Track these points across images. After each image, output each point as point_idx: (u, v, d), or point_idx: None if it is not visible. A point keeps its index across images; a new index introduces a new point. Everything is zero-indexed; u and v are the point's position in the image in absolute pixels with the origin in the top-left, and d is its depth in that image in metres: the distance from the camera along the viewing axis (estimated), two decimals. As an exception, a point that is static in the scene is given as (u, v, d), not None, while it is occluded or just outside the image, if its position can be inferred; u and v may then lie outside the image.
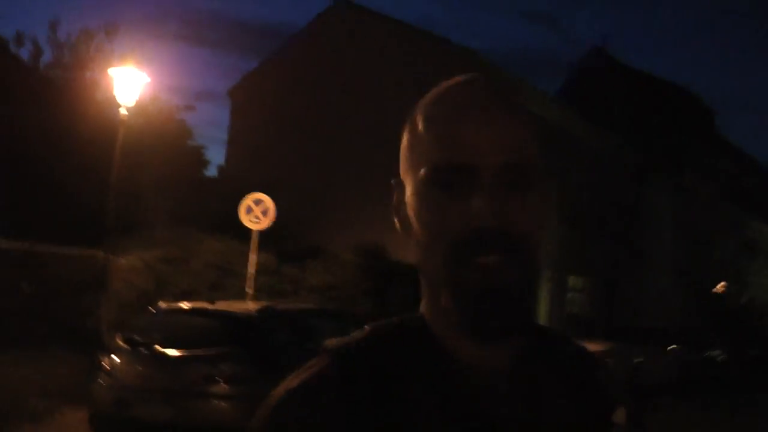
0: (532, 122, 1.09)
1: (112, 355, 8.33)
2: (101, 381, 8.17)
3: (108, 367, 8.23)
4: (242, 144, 28.79)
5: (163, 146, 23.29)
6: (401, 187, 1.12)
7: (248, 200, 14.66)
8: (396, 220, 1.13)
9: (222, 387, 7.84)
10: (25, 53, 25.92)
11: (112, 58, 25.88)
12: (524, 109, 1.09)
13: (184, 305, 9.62)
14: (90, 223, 17.82)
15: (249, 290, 14.08)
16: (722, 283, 45.08)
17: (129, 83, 12.89)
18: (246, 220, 14.46)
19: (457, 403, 1.02)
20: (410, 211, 1.08)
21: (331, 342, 1.08)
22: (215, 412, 7.82)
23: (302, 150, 26.65)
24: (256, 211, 14.54)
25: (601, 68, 45.44)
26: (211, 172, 34.93)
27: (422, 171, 1.05)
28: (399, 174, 1.13)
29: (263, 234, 14.65)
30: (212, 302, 9.67)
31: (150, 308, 9.66)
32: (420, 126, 1.09)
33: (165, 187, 21.08)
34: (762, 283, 53.79)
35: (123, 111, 12.79)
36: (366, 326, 1.11)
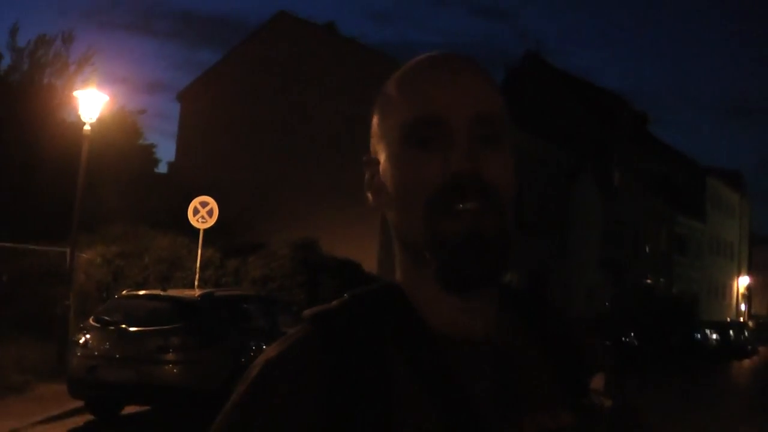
0: (497, 84, 1.12)
1: (85, 333, 10.41)
2: (77, 353, 10.26)
3: (81, 342, 10.31)
4: (191, 145, 30.24)
5: (117, 148, 24.76)
6: (373, 162, 1.13)
7: (195, 202, 16.67)
8: (369, 195, 1.14)
9: (172, 355, 9.95)
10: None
11: (68, 62, 27.78)
12: (489, 72, 1.12)
13: (142, 292, 11.79)
14: (52, 221, 19.57)
15: (196, 282, 16.16)
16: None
17: (91, 103, 14.88)
18: (193, 221, 16.47)
19: (432, 372, 1.01)
20: (385, 178, 1.09)
21: (309, 311, 1.09)
22: (167, 374, 9.91)
23: (247, 152, 28.42)
24: (203, 212, 16.56)
25: (535, 72, 46.96)
26: (161, 167, 36.66)
27: (396, 132, 1.07)
28: (370, 153, 1.15)
29: (209, 231, 16.64)
30: (164, 290, 11.88)
31: (115, 296, 11.81)
32: (391, 93, 1.11)
33: (119, 186, 22.72)
34: (691, 276, 56.32)
35: (87, 127, 14.76)
36: (345, 294, 1.11)
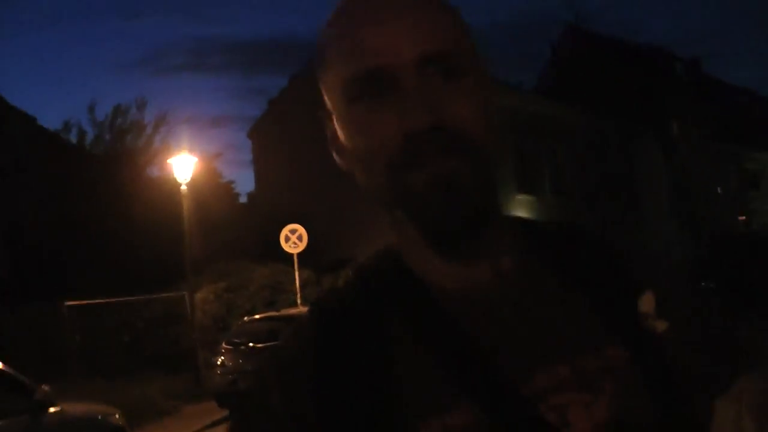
0: (449, 9, 0.98)
1: (221, 355, 12.72)
2: (218, 371, 12.56)
3: (219, 363, 12.61)
4: (268, 176, 32.78)
5: (203, 194, 27.18)
6: (329, 116, 1.03)
7: (285, 231, 18.95)
8: (335, 156, 1.05)
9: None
10: (73, 137, 30.25)
11: (144, 125, 30.52)
12: (439, 1, 0.98)
13: (258, 316, 14.10)
14: (159, 270, 22.00)
15: (299, 301, 18.40)
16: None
17: (184, 166, 17.28)
18: (286, 247, 18.74)
19: (435, 329, 0.94)
20: (342, 136, 1.00)
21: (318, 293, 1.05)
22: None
23: (320, 175, 30.51)
24: (293, 239, 18.83)
25: (577, 44, 48.20)
26: (242, 197, 39.16)
27: (338, 88, 0.96)
28: (325, 106, 1.03)
29: (300, 254, 18.90)
30: (278, 311, 14.18)
31: (238, 322, 14.14)
32: (326, 42, 0.99)
33: (213, 228, 25.09)
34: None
35: (183, 187, 17.17)
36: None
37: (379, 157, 0.94)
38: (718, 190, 51.53)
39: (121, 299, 18.09)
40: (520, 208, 32.64)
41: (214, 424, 12.88)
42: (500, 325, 0.95)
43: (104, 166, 27.63)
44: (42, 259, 22.28)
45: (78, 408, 7.45)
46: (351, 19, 0.96)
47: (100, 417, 7.63)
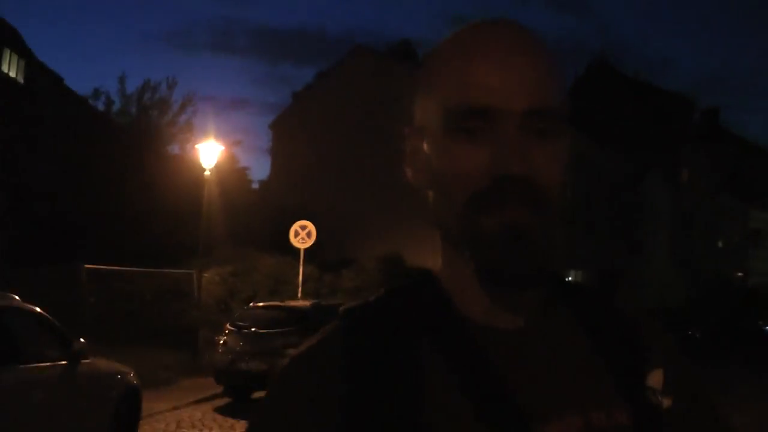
0: (558, 67, 1.00)
1: (225, 336, 13.65)
2: (220, 350, 13.48)
3: (222, 343, 13.54)
4: (284, 170, 33.70)
5: (220, 179, 28.00)
6: (416, 134, 1.05)
7: (296, 226, 19.84)
8: (409, 171, 1.07)
9: (292, 350, 13.06)
10: (100, 105, 31.12)
11: (171, 104, 31.41)
12: (550, 52, 1.00)
13: (263, 304, 15.02)
14: (169, 246, 22.88)
15: (299, 294, 19.31)
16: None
17: (210, 152, 18.22)
18: (295, 242, 19.62)
19: (466, 363, 0.96)
20: (427, 161, 1.02)
21: (344, 306, 1.08)
22: (289, 363, 13.09)
23: (335, 175, 31.50)
24: (302, 234, 19.70)
25: (602, 81, 48.90)
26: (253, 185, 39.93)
27: (440, 116, 0.98)
28: (412, 123, 1.06)
29: (307, 249, 19.83)
30: (283, 301, 15.12)
31: (245, 307, 15.08)
32: (434, 70, 1.01)
33: (226, 212, 25.93)
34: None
35: (207, 173, 18.11)
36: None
37: (462, 190, 0.96)
38: (719, 244, 52.30)
39: (135, 269, 18.97)
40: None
41: (208, 398, 13.75)
42: (526, 370, 0.98)
43: (128, 137, 28.42)
44: (58, 221, 23.08)
45: (104, 363, 8.35)
46: (469, 52, 0.97)
47: (121, 374, 8.57)
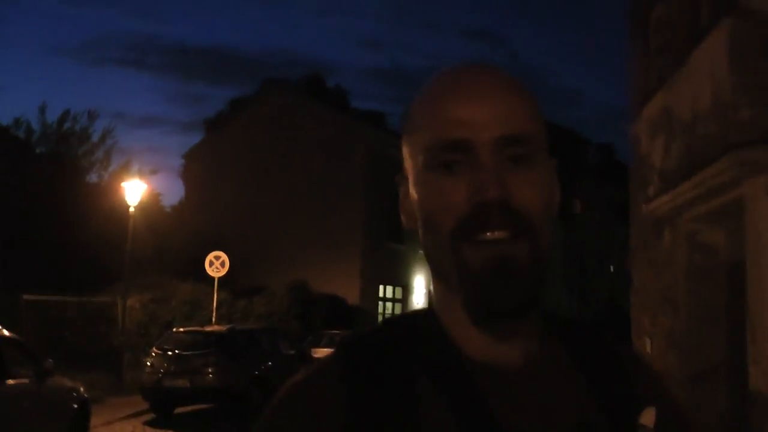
0: (530, 98, 1.04)
1: (151, 357, 15.51)
2: (147, 371, 15.33)
3: (149, 364, 15.39)
4: (196, 196, 35.15)
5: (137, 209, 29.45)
6: (404, 180, 1.10)
7: (211, 256, 21.76)
8: (402, 216, 1.11)
9: (211, 369, 15.06)
10: (21, 133, 32.26)
11: (90, 135, 32.75)
12: (522, 87, 1.04)
13: (183, 329, 16.96)
14: (85, 273, 24.16)
15: (213, 319, 21.19)
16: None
17: (134, 190, 20.05)
18: (210, 271, 21.54)
19: (463, 400, 0.97)
20: (413, 202, 1.05)
21: (342, 337, 1.09)
22: (209, 380, 15.01)
23: (247, 204, 33.23)
24: (216, 264, 21.64)
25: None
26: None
27: (419, 155, 1.02)
28: (403, 170, 1.11)
29: (221, 278, 21.77)
30: (202, 326, 17.07)
31: (168, 331, 16.97)
32: (414, 114, 1.06)
33: (144, 239, 27.34)
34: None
35: (131, 209, 19.93)
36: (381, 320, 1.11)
37: (445, 222, 0.98)
38: (611, 268, 55.70)
39: (67, 298, 20.53)
40: (422, 263, 36.01)
41: (137, 414, 15.56)
42: (520, 409, 0.99)
43: (47, 166, 29.56)
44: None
45: (62, 380, 10.23)
46: (442, 94, 1.02)
47: (75, 389, 10.45)
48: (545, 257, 1.01)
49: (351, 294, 29.70)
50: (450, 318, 1.04)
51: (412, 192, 1.06)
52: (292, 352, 18.56)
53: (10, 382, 8.60)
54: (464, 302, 0.99)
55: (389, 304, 34.07)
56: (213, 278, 21.60)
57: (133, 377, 18.43)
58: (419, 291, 35.48)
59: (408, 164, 1.08)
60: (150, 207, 33.81)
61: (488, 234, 0.96)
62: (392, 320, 1.10)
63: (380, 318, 32.50)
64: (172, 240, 29.18)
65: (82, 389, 10.66)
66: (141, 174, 33.61)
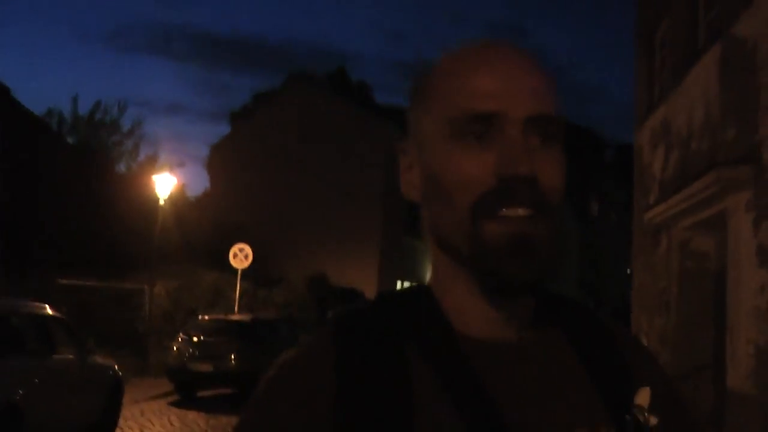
0: (554, 82, 1.04)
1: (178, 342, 16.45)
2: (173, 353, 16.26)
3: (176, 348, 16.32)
4: (220, 188, 36.12)
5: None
6: (413, 149, 1.07)
7: (235, 248, 22.62)
8: (403, 186, 1.08)
9: (234, 354, 15.97)
10: (54, 124, 33.28)
11: (121, 127, 33.78)
12: (546, 68, 1.04)
13: (213, 316, 17.92)
14: (112, 260, 25.11)
15: (236, 308, 22.11)
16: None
17: (164, 183, 20.98)
18: (234, 263, 22.41)
19: (454, 372, 0.96)
20: (425, 173, 1.03)
21: (333, 313, 1.40)
22: (232, 366, 15.91)
23: (269, 197, 34.26)
24: (240, 256, 22.48)
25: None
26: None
27: (443, 125, 1.00)
28: (407, 140, 1.08)
29: (245, 269, 22.67)
30: (226, 314, 18.00)
31: (194, 318, 17.93)
32: (436, 84, 1.03)
33: (170, 229, 28.24)
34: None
35: (161, 202, 20.87)
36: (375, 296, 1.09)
37: (467, 195, 0.97)
38: (628, 271, 56.14)
39: (97, 284, 21.46)
40: (411, 252, 36.73)
41: (162, 395, 16.48)
42: (514, 386, 0.98)
43: (78, 156, 30.52)
44: (9, 233, 25.01)
45: (100, 358, 11.16)
46: (472, 65, 1.00)
47: (111, 367, 11.38)
48: (562, 234, 1.01)
49: (369, 288, 30.60)
50: (449, 294, 1.03)
51: (426, 164, 1.03)
52: (311, 341, 19.42)
53: (56, 356, 9.49)
54: (480, 277, 0.98)
55: (406, 299, 34.95)
56: (236, 268, 22.50)
57: (158, 360, 19.40)
58: (436, 286, 36.25)
59: (421, 134, 1.05)
60: (176, 198, 34.92)
61: (512, 210, 0.95)
62: (384, 296, 1.08)
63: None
64: (197, 230, 30.10)
65: (116, 367, 11.56)
66: (168, 166, 35.07)
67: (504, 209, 0.95)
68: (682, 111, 10.76)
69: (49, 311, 9.91)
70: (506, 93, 0.97)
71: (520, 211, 0.95)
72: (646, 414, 1.03)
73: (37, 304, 10.08)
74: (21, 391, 8.41)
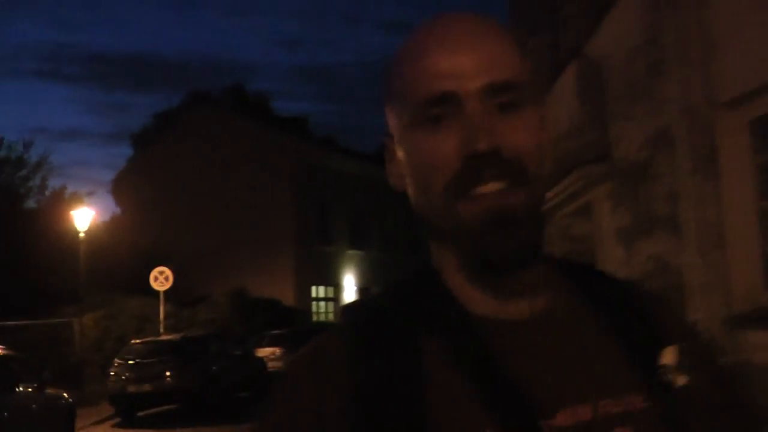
0: (516, 41, 1.01)
1: (115, 367, 17.40)
2: (112, 379, 17.20)
3: (113, 373, 17.27)
4: (132, 214, 36.30)
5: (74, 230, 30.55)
6: (390, 141, 1.06)
7: (155, 272, 23.51)
8: (390, 179, 1.08)
9: (169, 372, 17.02)
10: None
11: (27, 163, 33.77)
12: (506, 31, 1.01)
13: (144, 339, 18.94)
14: (30, 297, 25.33)
15: (161, 330, 23.00)
16: None
17: (83, 217, 21.80)
18: (155, 285, 23.31)
19: (470, 356, 0.95)
20: (401, 161, 1.03)
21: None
22: (168, 384, 16.97)
23: (182, 218, 34.63)
24: (161, 279, 23.41)
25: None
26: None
27: (405, 112, 1.00)
28: (389, 130, 1.06)
29: (166, 291, 23.59)
30: (158, 336, 19.02)
31: (128, 344, 18.88)
32: (396, 70, 1.03)
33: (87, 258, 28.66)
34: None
35: (81, 235, 21.70)
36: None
37: (437, 178, 0.96)
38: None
39: (28, 322, 21.91)
40: (351, 262, 38.10)
41: (104, 419, 17.41)
42: (531, 361, 0.96)
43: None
44: None
45: (57, 389, 12.16)
46: (423, 47, 0.98)
47: (64, 396, 12.38)
48: (542, 203, 0.99)
49: (286, 296, 31.76)
50: (450, 276, 1.02)
51: (400, 153, 1.03)
52: (239, 353, 20.63)
53: (20, 389, 10.53)
54: (463, 258, 0.98)
55: (322, 304, 36.22)
56: (158, 291, 23.38)
57: (93, 389, 20.29)
58: (350, 289, 37.67)
59: (393, 124, 1.04)
60: (91, 228, 35.19)
61: (483, 186, 0.94)
62: (397, 282, 1.07)
63: (315, 317, 34.63)
64: (114, 257, 30.50)
65: (66, 395, 12.56)
66: (77, 197, 35.40)
67: (474, 188, 0.94)
68: (553, 116, 12.30)
69: (3, 350, 10.89)
70: (457, 69, 0.96)
71: (492, 186, 0.94)
72: (673, 373, 1.00)
73: (-8, 345, 11.07)
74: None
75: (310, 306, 34.77)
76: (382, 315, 1.01)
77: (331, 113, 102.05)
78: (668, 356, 1.01)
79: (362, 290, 37.75)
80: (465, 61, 0.96)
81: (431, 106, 0.96)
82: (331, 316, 35.23)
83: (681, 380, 1.00)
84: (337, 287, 37.06)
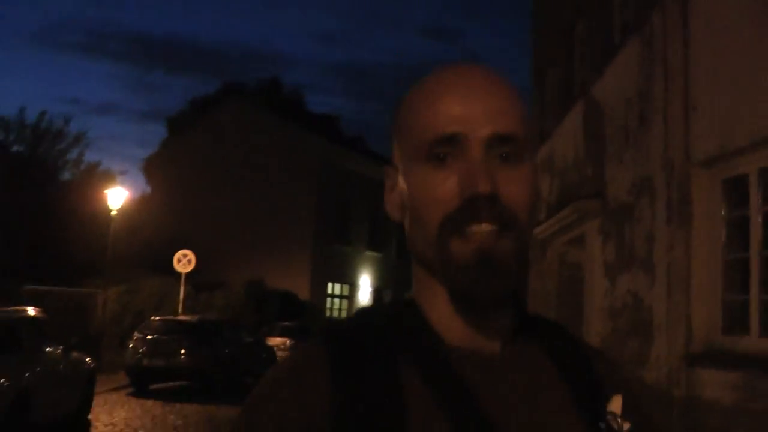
0: (521, 100, 1.09)
1: (134, 340, 18.49)
2: (130, 351, 18.28)
3: (131, 346, 18.36)
4: (160, 195, 37.48)
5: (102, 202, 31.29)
6: (393, 173, 1.13)
7: (179, 254, 24.54)
8: (387, 207, 1.14)
9: (184, 351, 18.10)
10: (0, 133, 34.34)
11: (65, 137, 34.97)
12: (512, 88, 1.09)
13: (164, 317, 20.03)
14: (59, 265, 26.41)
15: (180, 310, 24.06)
16: None
17: (117, 196, 22.91)
18: (178, 267, 24.35)
19: (444, 384, 1.00)
20: (403, 193, 1.08)
21: (322, 326, 1.14)
22: (181, 361, 18.03)
23: (207, 205, 35.50)
24: (184, 261, 24.43)
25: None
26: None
27: (412, 149, 1.06)
28: (393, 161, 1.14)
29: (186, 273, 24.66)
30: (176, 315, 20.11)
31: (148, 319, 19.97)
32: (408, 109, 1.09)
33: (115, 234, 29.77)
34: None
35: (113, 212, 22.81)
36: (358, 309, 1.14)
37: (436, 212, 1.02)
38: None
39: (59, 288, 23.04)
40: (367, 263, 38.99)
41: (119, 388, 18.45)
42: (501, 398, 1.02)
43: (23, 165, 31.81)
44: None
45: (80, 353, 13.21)
46: (438, 90, 1.06)
47: (87, 359, 13.45)
48: (525, 252, 1.05)
49: (302, 290, 32.72)
50: (432, 307, 1.07)
51: (402, 184, 1.08)
52: (251, 340, 21.67)
53: (48, 349, 11.58)
54: (450, 291, 1.04)
55: (336, 300, 37.19)
56: (179, 273, 24.44)
57: (110, 359, 21.42)
58: (365, 289, 38.72)
59: (399, 157, 1.11)
60: (123, 206, 36.22)
61: (476, 226, 0.99)
62: (372, 309, 1.12)
63: (328, 312, 35.66)
64: (138, 234, 31.56)
65: (89, 360, 13.61)
66: (110, 174, 36.52)
67: (469, 227, 1.00)
68: (560, 148, 13.17)
69: (34, 313, 11.95)
70: (468, 115, 1.02)
71: (484, 227, 0.99)
72: (619, 420, 1.09)
73: (23, 307, 12.13)
74: (28, 379, 10.47)
75: (324, 302, 35.78)
76: (362, 341, 1.04)
77: (364, 112, 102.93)
78: (615, 404, 1.11)
79: (376, 291, 38.79)
80: (475, 109, 1.03)
81: (439, 145, 1.03)
82: (344, 313, 36.03)
83: (626, 426, 1.09)
84: (353, 286, 38.03)
